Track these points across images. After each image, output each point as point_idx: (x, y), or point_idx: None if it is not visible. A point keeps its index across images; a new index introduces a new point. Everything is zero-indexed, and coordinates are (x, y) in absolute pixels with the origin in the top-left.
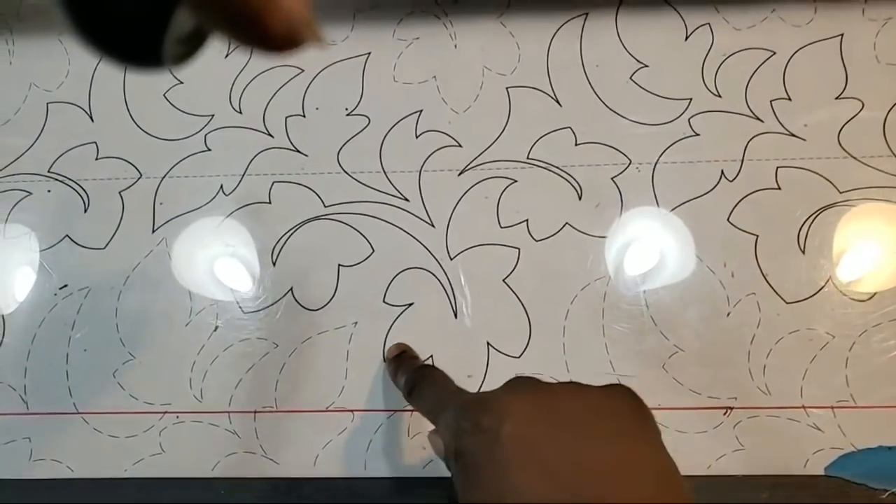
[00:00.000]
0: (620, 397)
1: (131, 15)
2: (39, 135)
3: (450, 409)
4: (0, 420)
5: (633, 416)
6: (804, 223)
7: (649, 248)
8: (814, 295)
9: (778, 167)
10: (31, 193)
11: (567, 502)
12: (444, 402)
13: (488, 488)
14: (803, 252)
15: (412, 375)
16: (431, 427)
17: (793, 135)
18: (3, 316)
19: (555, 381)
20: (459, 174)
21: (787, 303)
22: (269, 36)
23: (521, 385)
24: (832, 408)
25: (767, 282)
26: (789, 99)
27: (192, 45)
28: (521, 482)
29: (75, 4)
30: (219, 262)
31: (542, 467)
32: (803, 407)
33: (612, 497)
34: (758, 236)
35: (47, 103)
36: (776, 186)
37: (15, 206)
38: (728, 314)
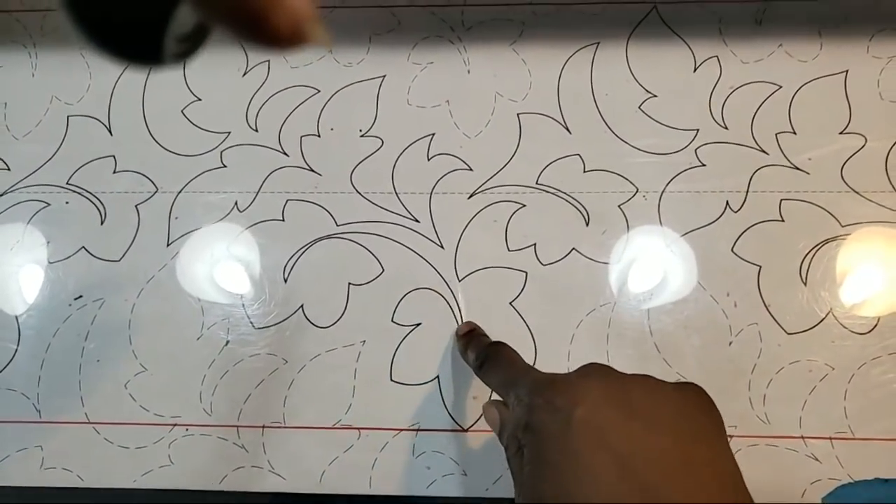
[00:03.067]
0: (694, 396)
1: (133, 12)
2: (59, 147)
3: (522, 384)
4: (13, 427)
5: (705, 416)
6: (806, 255)
7: (654, 275)
8: (815, 326)
9: (782, 199)
10: (49, 204)
11: (634, 493)
12: (516, 376)
13: (554, 466)
14: (805, 284)
15: (484, 350)
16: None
17: (797, 168)
18: (18, 325)
19: (629, 373)
20: (469, 197)
21: (789, 333)
22: (273, 33)
23: (596, 371)
24: (830, 439)
25: (769, 312)
26: (794, 133)
27: (193, 43)
28: (591, 466)
29: (77, 0)
30: (231, 277)
31: (612, 454)
32: (802, 437)
33: (678, 492)
34: (761, 267)
35: (68, 116)
36: (780, 218)
37: (33, 216)
38: (730, 343)
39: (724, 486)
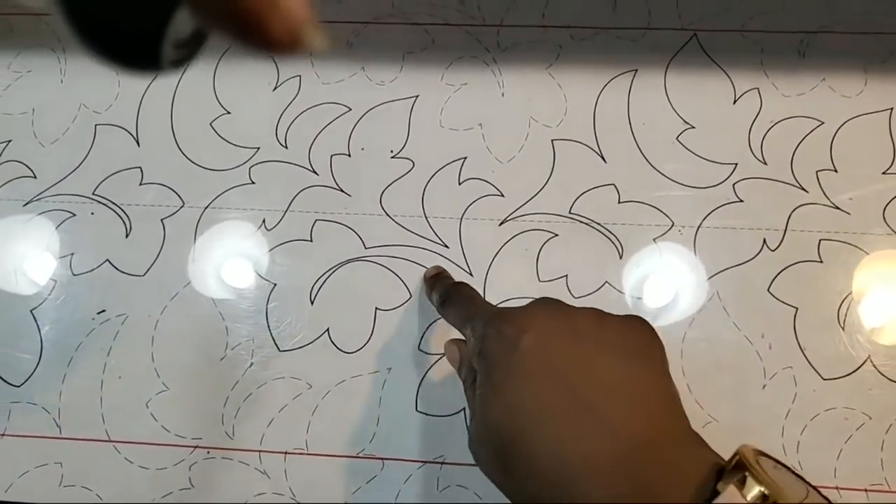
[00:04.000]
0: (637, 325)
1: (130, 17)
2: (86, 156)
3: (478, 317)
4: (33, 442)
5: (646, 343)
6: (845, 299)
7: (687, 313)
8: (852, 373)
9: (821, 240)
10: (74, 215)
11: (574, 409)
12: (473, 311)
13: (502, 388)
14: (843, 328)
15: (447, 289)
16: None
17: (837, 207)
18: (41, 337)
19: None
20: (500, 224)
21: (825, 379)
22: (270, 38)
23: (546, 302)
24: (866, 490)
25: (805, 356)
26: (835, 170)
27: (190, 49)
28: (535, 386)
29: (72, 4)
30: (257, 297)
31: (556, 375)
32: (836, 487)
33: (617, 409)
34: (797, 309)
35: (95, 125)
36: (818, 259)
37: (59, 226)
38: (764, 386)
39: (660, 405)
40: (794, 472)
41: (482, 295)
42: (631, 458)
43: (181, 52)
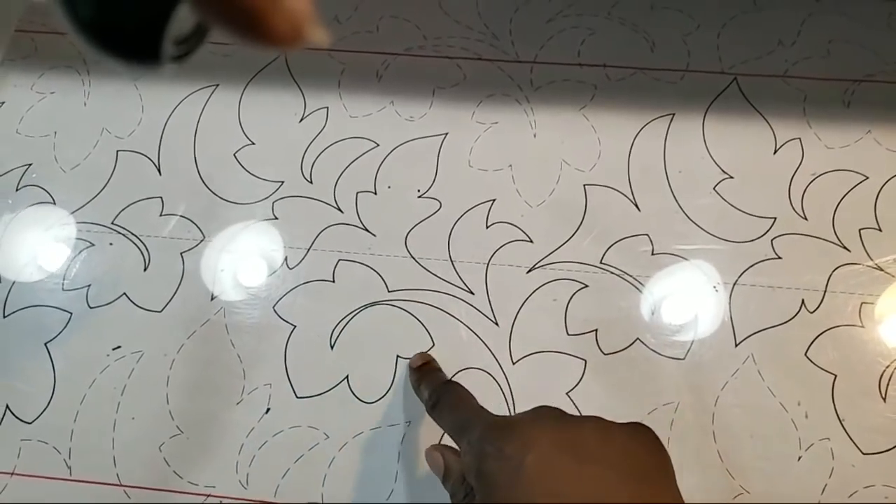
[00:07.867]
0: (643, 439)
1: (131, 12)
2: (107, 183)
3: (474, 429)
4: (42, 484)
5: (653, 458)
6: (887, 368)
7: (720, 376)
8: (893, 448)
9: (862, 303)
10: (93, 244)
11: None
12: (468, 421)
13: None
14: (884, 399)
15: (437, 389)
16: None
17: (880, 269)
18: (54, 372)
19: (579, 415)
20: (528, 272)
21: (864, 453)
22: (271, 33)
23: (547, 415)
24: None
25: (843, 427)
26: (879, 229)
27: (191, 44)
28: None
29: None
30: (276, 340)
31: (560, 501)
32: None
33: None
34: (836, 376)
35: (117, 151)
36: (859, 324)
37: (76, 256)
38: (799, 458)
39: None
40: None
41: (508, 350)
42: None
43: (182, 48)
